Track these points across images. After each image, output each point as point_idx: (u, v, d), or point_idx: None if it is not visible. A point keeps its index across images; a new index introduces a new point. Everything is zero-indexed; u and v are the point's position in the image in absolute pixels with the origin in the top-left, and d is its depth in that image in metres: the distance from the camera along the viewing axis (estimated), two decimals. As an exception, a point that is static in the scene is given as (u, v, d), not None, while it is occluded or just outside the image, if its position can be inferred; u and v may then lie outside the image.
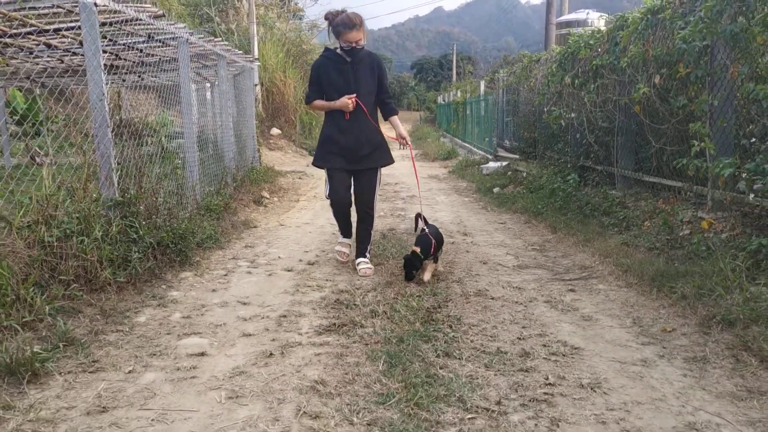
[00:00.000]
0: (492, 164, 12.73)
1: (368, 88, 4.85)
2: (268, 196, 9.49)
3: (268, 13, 26.11)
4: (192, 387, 2.82)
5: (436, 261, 4.75)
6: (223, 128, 9.08)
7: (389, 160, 5.01)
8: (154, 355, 3.20)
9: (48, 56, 8.13)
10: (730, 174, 4.32)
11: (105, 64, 8.33)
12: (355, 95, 4.72)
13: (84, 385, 2.84)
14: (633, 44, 6.22)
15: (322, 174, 5.16)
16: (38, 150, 10.98)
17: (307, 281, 4.64)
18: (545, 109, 9.58)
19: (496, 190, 9.94)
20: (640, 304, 4.04)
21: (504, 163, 12.42)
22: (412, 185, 11.06)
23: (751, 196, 4.27)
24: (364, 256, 4.98)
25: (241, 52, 10.52)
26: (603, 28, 7.52)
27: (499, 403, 2.60)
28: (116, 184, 4.86)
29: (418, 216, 5.00)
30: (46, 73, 9.52)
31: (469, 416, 2.48)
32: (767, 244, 3.99)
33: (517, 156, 12.32)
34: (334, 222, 5.31)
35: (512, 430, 2.39)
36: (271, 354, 3.17)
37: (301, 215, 8.14)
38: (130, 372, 2.98)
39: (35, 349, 2.94)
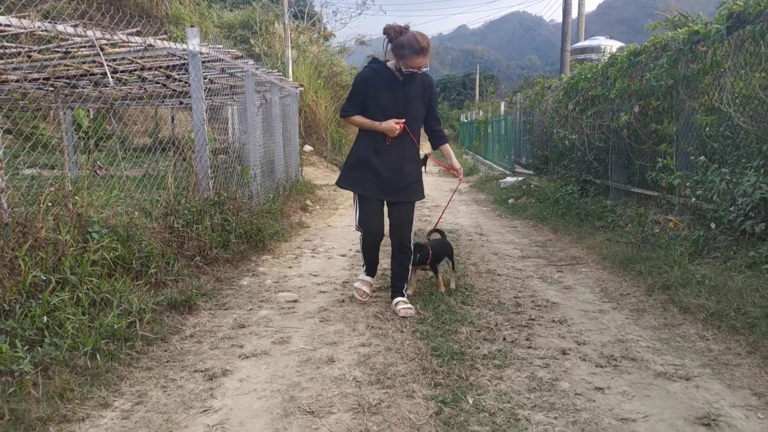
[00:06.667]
0: (509, 179, 14.11)
1: (417, 112, 4.34)
2: (311, 205, 10.99)
3: (300, 37, 27.84)
4: (294, 317, 4.29)
5: (435, 272, 4.90)
6: (274, 146, 10.62)
7: (423, 195, 4.54)
8: (263, 301, 4.68)
9: (131, 84, 9.76)
10: (679, 183, 5.70)
11: (179, 92, 9.92)
12: (404, 120, 4.23)
13: (222, 315, 4.32)
14: (619, 79, 7.63)
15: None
16: (97, 162, 12.68)
17: (358, 263, 6.07)
18: (554, 131, 11.01)
19: (510, 201, 11.33)
20: (609, 280, 5.42)
21: (520, 178, 13.80)
22: (437, 197, 12.51)
23: (693, 199, 5.64)
24: (402, 295, 4.46)
25: (290, 79, 12.08)
26: (599, 65, 8.92)
27: (496, 325, 4.03)
28: (211, 188, 6.37)
29: (433, 231, 5.25)
30: (120, 98, 11.21)
31: (476, 330, 3.91)
32: (704, 234, 5.37)
33: (531, 172, 13.72)
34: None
35: (502, 337, 3.81)
36: (343, 301, 4.66)
37: (343, 220, 9.60)
38: (250, 309, 4.46)
39: (189, 292, 4.43)
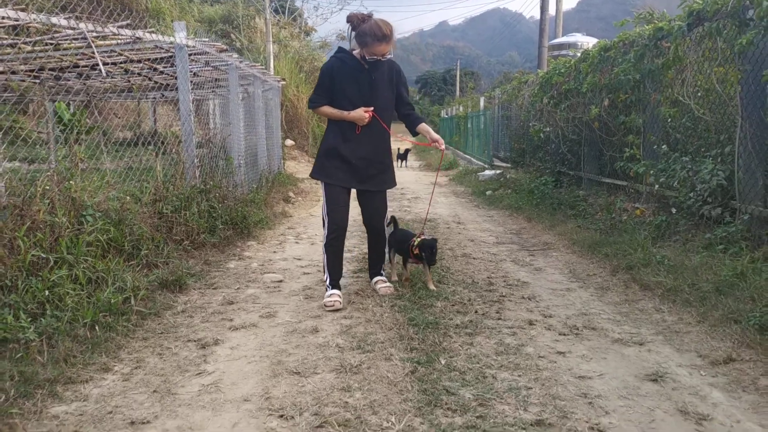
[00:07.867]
0: (488, 172, 14.43)
1: (385, 100, 4.33)
2: (293, 196, 11.21)
3: (281, 32, 27.95)
4: (280, 294, 4.55)
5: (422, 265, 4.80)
6: (257, 138, 10.83)
7: (394, 183, 4.58)
8: (249, 281, 4.93)
9: (115, 77, 9.91)
10: (644, 172, 6.04)
11: (162, 84, 10.08)
12: (372, 109, 4.23)
13: (211, 294, 4.57)
14: (590, 74, 7.95)
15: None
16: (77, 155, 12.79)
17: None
18: (530, 124, 11.35)
19: (488, 193, 11.64)
20: (578, 262, 5.73)
21: (498, 172, 14.13)
22: (416, 189, 12.81)
23: (656, 186, 5.98)
24: (380, 275, 4.73)
25: (272, 73, 12.27)
26: (572, 60, 9.24)
27: (469, 300, 4.32)
28: (198, 177, 6.58)
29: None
30: (106, 91, 11.36)
31: (450, 305, 4.21)
32: (666, 219, 5.70)
33: (508, 165, 14.06)
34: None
35: (474, 310, 4.10)
36: (325, 280, 4.90)
37: (325, 210, 9.84)
38: (237, 288, 4.71)
39: (180, 272, 4.66)
